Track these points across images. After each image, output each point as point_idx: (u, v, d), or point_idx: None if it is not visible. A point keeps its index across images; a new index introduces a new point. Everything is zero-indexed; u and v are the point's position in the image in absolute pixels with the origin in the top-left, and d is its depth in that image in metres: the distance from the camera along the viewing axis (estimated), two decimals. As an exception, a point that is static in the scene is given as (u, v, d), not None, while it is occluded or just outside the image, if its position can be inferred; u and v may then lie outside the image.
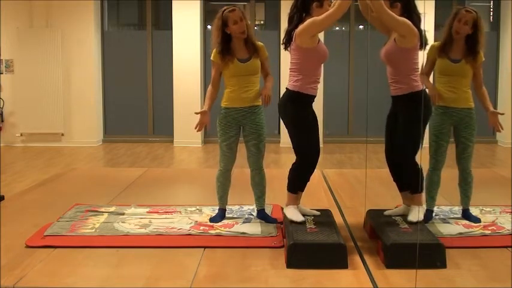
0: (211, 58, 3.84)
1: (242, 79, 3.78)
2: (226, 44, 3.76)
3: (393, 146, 3.71)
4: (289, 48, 3.60)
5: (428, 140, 3.87)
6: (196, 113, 3.90)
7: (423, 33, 3.52)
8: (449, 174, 4.04)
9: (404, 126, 3.56)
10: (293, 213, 3.59)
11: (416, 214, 3.56)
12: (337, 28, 9.53)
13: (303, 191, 3.76)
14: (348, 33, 9.35)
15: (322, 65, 3.68)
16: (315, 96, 3.59)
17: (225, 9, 3.75)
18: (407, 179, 3.67)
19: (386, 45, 3.63)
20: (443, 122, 3.82)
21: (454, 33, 3.75)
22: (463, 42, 3.78)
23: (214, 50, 3.82)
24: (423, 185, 3.74)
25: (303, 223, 3.50)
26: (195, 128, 3.92)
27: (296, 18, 3.50)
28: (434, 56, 3.85)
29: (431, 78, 4.05)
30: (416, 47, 3.51)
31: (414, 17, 3.49)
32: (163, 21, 9.79)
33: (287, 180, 3.67)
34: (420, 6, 3.57)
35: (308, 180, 3.77)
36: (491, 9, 9.58)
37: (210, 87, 3.92)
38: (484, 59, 3.82)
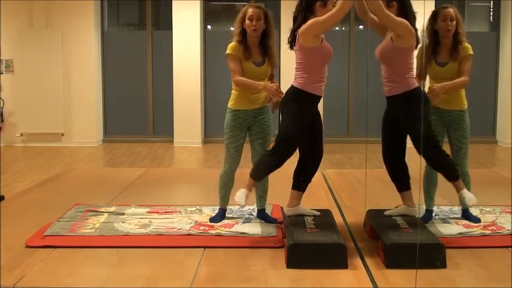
0: (228, 52, 3.75)
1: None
2: (243, 38, 3.76)
3: (394, 146, 3.69)
4: (294, 48, 3.60)
5: None
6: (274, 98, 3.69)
7: (418, 32, 3.54)
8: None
9: (413, 123, 3.48)
10: (240, 196, 3.51)
11: (470, 196, 3.54)
12: (337, 28, 9.53)
13: (303, 191, 3.75)
14: (348, 33, 9.35)
15: (327, 65, 3.68)
16: (320, 97, 3.58)
17: (250, 5, 3.79)
18: (442, 170, 3.62)
19: (382, 44, 3.63)
20: (435, 122, 3.82)
21: (445, 32, 3.75)
22: (450, 42, 3.78)
23: (230, 44, 3.78)
24: (457, 170, 3.64)
25: (299, 223, 3.49)
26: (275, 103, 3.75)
27: (300, 18, 3.51)
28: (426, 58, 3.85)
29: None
30: (412, 47, 3.53)
31: (410, 16, 3.50)
32: (163, 21, 9.79)
33: (254, 166, 3.62)
34: (420, 6, 3.58)
35: (309, 180, 3.77)
36: (491, 9, 9.58)
37: (239, 78, 3.71)
38: (471, 53, 3.77)
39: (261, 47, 3.81)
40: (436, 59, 3.80)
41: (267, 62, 3.81)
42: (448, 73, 3.77)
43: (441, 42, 3.80)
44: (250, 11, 3.73)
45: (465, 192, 3.57)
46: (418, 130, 3.40)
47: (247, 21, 3.73)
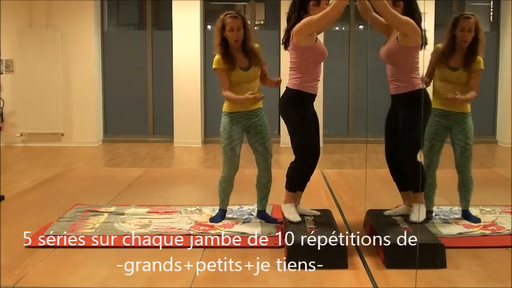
0: (214, 66, 3.80)
1: (244, 86, 3.78)
2: (225, 48, 3.77)
3: (396, 145, 3.71)
4: (288, 48, 3.60)
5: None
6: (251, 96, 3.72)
7: (423, 32, 3.53)
8: (449, 174, 4.04)
9: (405, 125, 3.56)
10: (290, 212, 3.61)
11: (417, 213, 3.58)
12: (337, 28, 9.53)
13: (303, 190, 3.76)
14: (348, 33, 9.35)
15: (322, 63, 3.69)
16: (315, 95, 3.59)
17: (227, 14, 3.76)
18: (409, 178, 3.67)
19: (387, 45, 3.63)
20: (437, 123, 3.83)
21: (461, 43, 3.73)
22: (465, 50, 3.77)
23: (215, 58, 3.81)
24: (424, 184, 3.73)
25: (299, 223, 3.51)
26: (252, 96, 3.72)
27: (294, 17, 3.51)
28: (434, 59, 3.83)
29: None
30: (418, 46, 3.52)
31: (416, 16, 3.50)
32: (163, 21, 9.78)
33: (285, 178, 3.67)
34: (420, 6, 3.58)
35: (308, 179, 3.77)
36: (491, 9, 9.57)
37: (226, 93, 3.79)
38: (483, 68, 3.78)
39: (243, 51, 3.80)
40: (448, 63, 3.79)
41: (253, 64, 3.81)
42: (458, 78, 3.76)
43: (457, 48, 3.79)
44: (229, 22, 3.72)
45: (421, 207, 3.64)
46: (412, 134, 3.48)
47: (228, 33, 3.73)
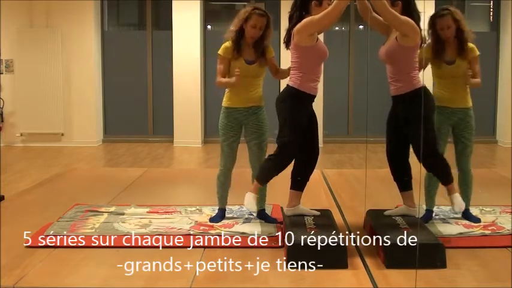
0: (219, 52, 3.79)
1: (245, 80, 3.76)
2: (239, 38, 3.77)
3: (397, 146, 3.70)
4: (289, 47, 3.60)
5: None
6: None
7: (424, 32, 3.54)
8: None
9: (415, 125, 3.49)
10: (249, 202, 3.61)
11: (458, 204, 3.63)
12: (337, 28, 9.53)
13: (302, 190, 3.76)
14: (348, 33, 9.35)
15: (322, 64, 3.69)
16: (314, 96, 3.59)
17: (256, 9, 3.76)
18: (439, 174, 3.68)
19: (386, 45, 3.63)
20: (441, 123, 3.82)
21: (446, 39, 3.76)
22: (454, 42, 3.78)
23: (224, 44, 3.81)
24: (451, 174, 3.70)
25: (300, 224, 3.49)
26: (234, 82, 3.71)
27: (295, 17, 3.52)
28: (429, 56, 3.83)
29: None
30: (417, 46, 3.52)
31: (414, 15, 3.50)
32: (163, 21, 9.78)
33: (259, 170, 3.68)
34: (420, 6, 3.58)
35: (308, 179, 3.77)
36: (491, 9, 9.58)
37: (219, 79, 3.79)
38: (478, 53, 3.80)
39: (256, 46, 3.80)
40: (443, 58, 3.79)
41: (259, 60, 3.80)
42: (456, 72, 3.77)
43: (445, 43, 3.80)
44: (255, 18, 3.72)
45: (457, 196, 3.67)
46: (419, 132, 3.42)
47: (249, 27, 3.72)
